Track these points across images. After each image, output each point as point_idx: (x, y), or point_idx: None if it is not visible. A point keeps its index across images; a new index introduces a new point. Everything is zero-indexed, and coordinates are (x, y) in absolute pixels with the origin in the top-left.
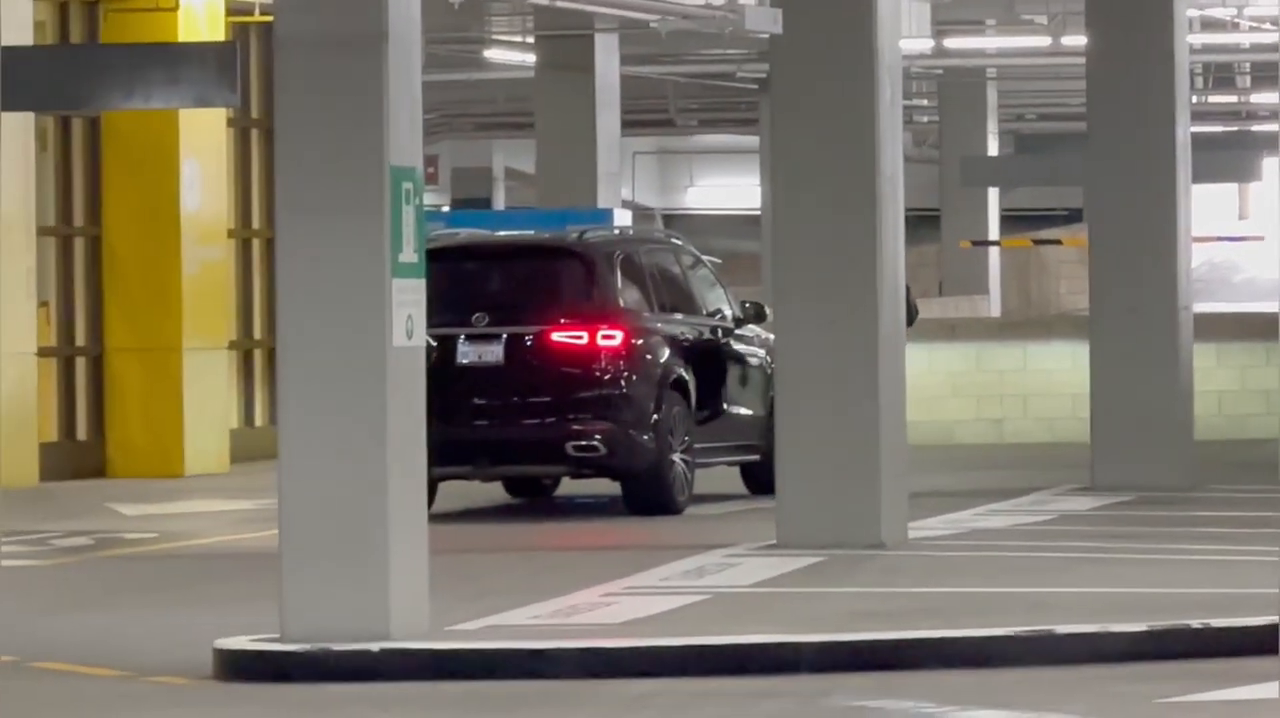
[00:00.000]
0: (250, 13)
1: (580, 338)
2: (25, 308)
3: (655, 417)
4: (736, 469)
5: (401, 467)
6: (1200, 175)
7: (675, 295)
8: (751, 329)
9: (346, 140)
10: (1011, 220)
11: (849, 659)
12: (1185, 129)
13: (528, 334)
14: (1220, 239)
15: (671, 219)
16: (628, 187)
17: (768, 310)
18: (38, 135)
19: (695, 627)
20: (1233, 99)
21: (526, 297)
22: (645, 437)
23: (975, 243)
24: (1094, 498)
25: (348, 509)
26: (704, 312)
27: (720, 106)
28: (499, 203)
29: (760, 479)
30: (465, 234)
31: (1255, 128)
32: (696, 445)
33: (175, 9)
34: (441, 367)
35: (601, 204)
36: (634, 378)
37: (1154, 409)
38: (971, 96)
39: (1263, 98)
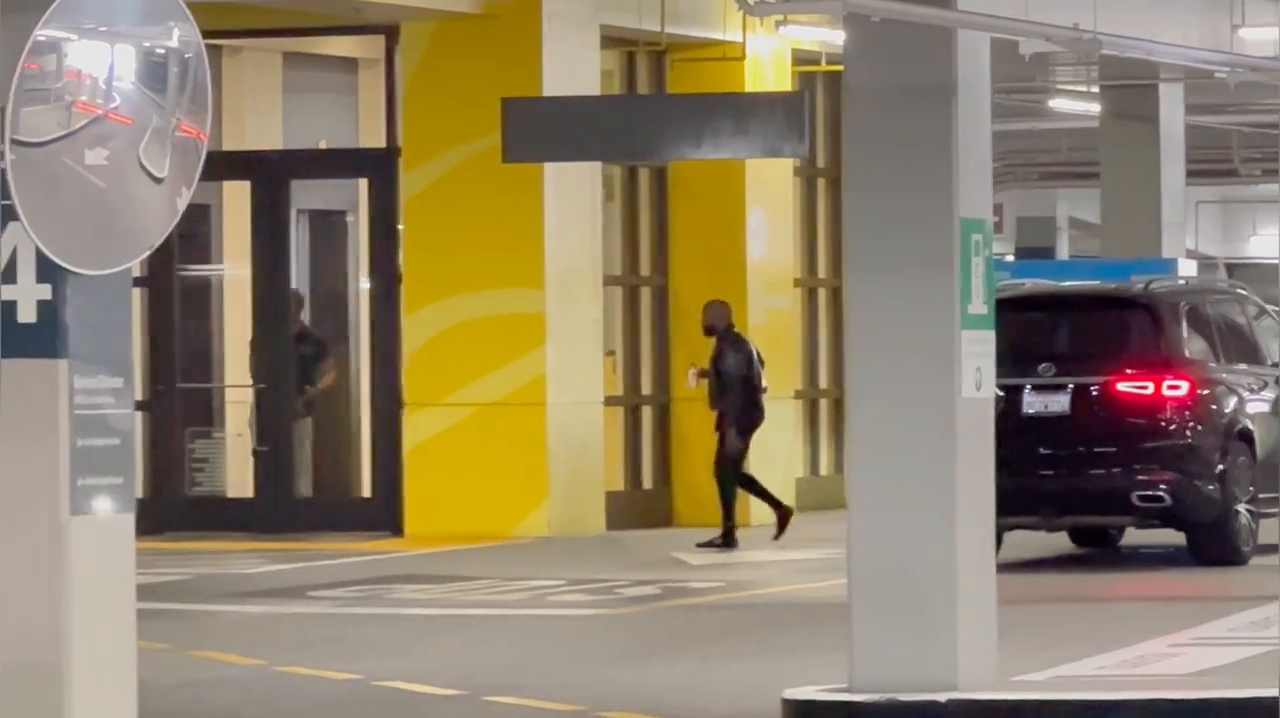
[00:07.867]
0: (816, 62)
1: (1146, 388)
2: (593, 358)
3: (1220, 467)
4: None
5: (971, 518)
6: None
7: (1240, 345)
8: None
9: (917, 191)
10: None
11: None
12: None
13: (1094, 384)
14: None
15: (1234, 268)
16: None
17: None
18: (605, 185)
19: (1262, 679)
20: None
21: (1092, 347)
22: (1211, 487)
23: None
24: None
25: (917, 560)
26: (1268, 362)
27: None
28: (1062, 252)
29: None
30: (1031, 284)
31: None
32: (1261, 496)
33: (742, 59)
34: (1008, 416)
35: (1166, 254)
36: (1199, 428)
37: None
38: None
39: None
